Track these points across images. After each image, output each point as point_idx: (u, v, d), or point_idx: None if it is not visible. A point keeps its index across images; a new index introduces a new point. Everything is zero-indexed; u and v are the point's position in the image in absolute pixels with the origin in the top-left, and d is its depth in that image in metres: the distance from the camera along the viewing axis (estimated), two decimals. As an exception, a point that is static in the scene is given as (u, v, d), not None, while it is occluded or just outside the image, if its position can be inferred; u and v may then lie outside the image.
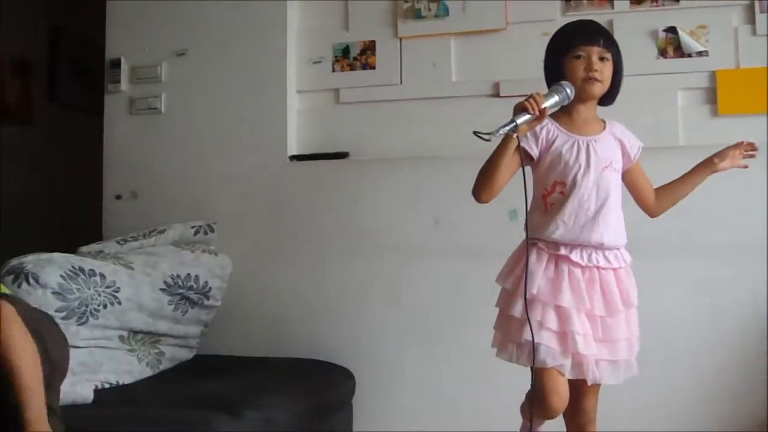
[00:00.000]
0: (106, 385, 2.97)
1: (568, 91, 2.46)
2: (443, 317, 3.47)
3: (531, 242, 2.55)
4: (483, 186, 2.55)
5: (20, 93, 5.04)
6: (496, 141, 2.43)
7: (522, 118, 2.39)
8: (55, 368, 2.23)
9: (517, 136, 2.43)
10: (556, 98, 2.44)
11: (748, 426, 2.93)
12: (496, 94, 3.55)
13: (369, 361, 3.53)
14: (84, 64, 5.35)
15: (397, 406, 3.52)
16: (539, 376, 2.45)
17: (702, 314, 3.23)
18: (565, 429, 2.65)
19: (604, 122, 2.61)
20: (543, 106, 2.40)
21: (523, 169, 2.47)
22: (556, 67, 2.58)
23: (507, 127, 2.38)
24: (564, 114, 2.56)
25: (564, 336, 2.44)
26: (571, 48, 2.53)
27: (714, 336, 3.20)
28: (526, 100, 2.40)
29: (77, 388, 2.71)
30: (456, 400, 3.43)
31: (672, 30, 3.40)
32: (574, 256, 2.49)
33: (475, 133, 2.33)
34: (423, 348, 3.50)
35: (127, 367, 3.09)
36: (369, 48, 3.73)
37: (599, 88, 2.53)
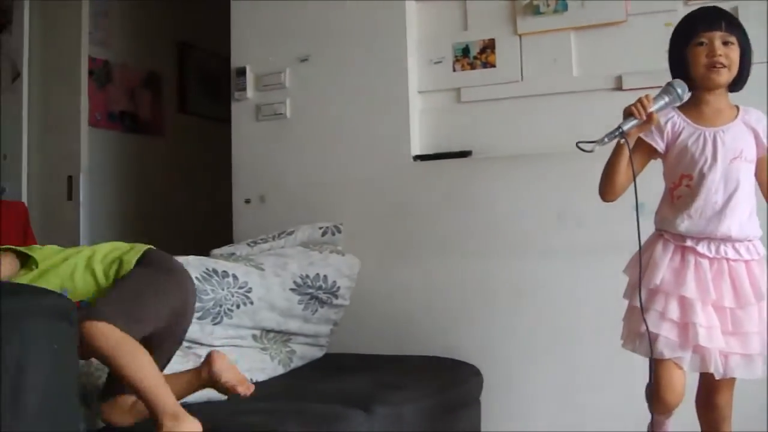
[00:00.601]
0: (241, 383, 3.05)
1: (679, 91, 2.40)
2: (570, 313, 3.43)
3: (658, 233, 2.52)
4: (605, 188, 2.54)
5: (152, 105, 5.25)
6: (610, 146, 2.43)
7: (628, 125, 2.36)
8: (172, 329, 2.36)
9: (627, 142, 2.40)
10: (665, 99, 2.40)
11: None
12: (619, 88, 3.48)
13: (496, 358, 3.52)
14: (211, 75, 5.54)
15: (525, 404, 3.50)
16: (656, 368, 2.41)
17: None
18: (695, 428, 2.61)
19: (738, 110, 2.51)
20: (650, 109, 2.36)
21: (633, 170, 2.42)
22: (679, 58, 2.52)
23: (613, 135, 2.36)
24: (692, 104, 2.50)
25: (685, 327, 2.38)
26: (692, 35, 2.47)
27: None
28: (633, 104, 2.38)
29: (214, 388, 2.80)
30: (585, 397, 3.38)
31: (802, 13, 3.29)
32: (701, 248, 2.43)
33: (577, 145, 2.32)
34: (550, 344, 3.47)
35: (261, 365, 3.16)
36: (489, 46, 3.73)
37: (725, 75, 2.44)
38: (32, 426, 1.64)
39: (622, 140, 2.40)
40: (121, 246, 2.40)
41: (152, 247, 2.46)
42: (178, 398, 2.15)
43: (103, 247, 2.39)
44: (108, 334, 2.02)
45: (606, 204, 2.59)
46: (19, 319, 1.65)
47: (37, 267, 2.26)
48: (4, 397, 1.59)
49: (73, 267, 2.28)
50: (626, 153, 2.43)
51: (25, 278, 2.24)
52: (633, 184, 2.40)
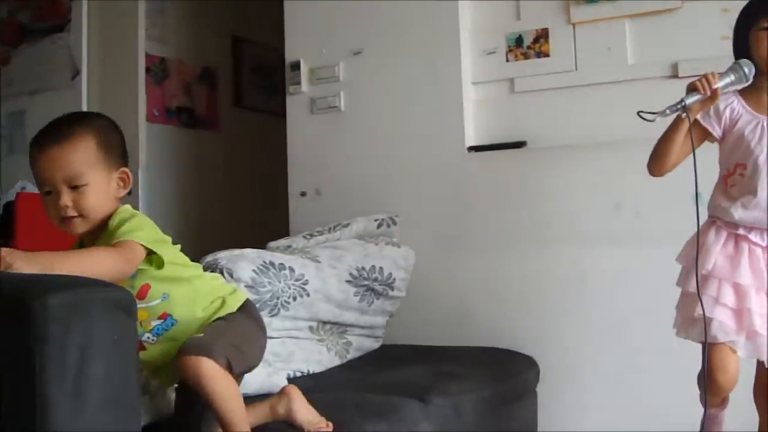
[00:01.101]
0: (298, 374, 3.06)
1: (746, 70, 2.37)
2: (627, 303, 3.40)
3: (711, 220, 2.50)
4: (655, 162, 2.53)
5: (208, 100, 5.31)
6: (670, 119, 2.40)
7: (691, 99, 2.34)
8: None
9: (688, 116, 2.38)
10: (731, 78, 2.37)
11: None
12: (675, 75, 3.42)
13: (553, 349, 3.51)
14: (265, 69, 5.59)
15: (581, 395, 3.48)
16: (709, 351, 2.39)
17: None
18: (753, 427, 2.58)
19: None
20: (715, 86, 2.33)
21: (694, 153, 2.40)
22: (743, 44, 2.49)
23: (675, 108, 2.34)
24: (754, 91, 2.47)
25: (740, 313, 2.37)
26: (755, 20, 2.44)
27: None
28: (698, 79, 2.35)
29: (273, 378, 2.81)
30: (642, 387, 3.35)
31: None
32: (754, 236, 2.42)
33: (639, 113, 2.30)
34: (607, 335, 3.45)
35: (317, 357, 3.18)
36: (542, 36, 3.71)
37: None
38: (94, 415, 1.66)
39: (683, 114, 2.37)
40: (224, 286, 2.47)
41: (249, 297, 2.55)
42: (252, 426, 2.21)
43: (207, 277, 2.44)
44: (212, 372, 2.08)
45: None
46: (82, 310, 1.67)
47: (160, 267, 2.30)
48: (67, 387, 1.63)
49: (180, 277, 2.34)
50: (684, 127, 2.41)
51: (146, 272, 2.28)
52: (694, 174, 2.37)
